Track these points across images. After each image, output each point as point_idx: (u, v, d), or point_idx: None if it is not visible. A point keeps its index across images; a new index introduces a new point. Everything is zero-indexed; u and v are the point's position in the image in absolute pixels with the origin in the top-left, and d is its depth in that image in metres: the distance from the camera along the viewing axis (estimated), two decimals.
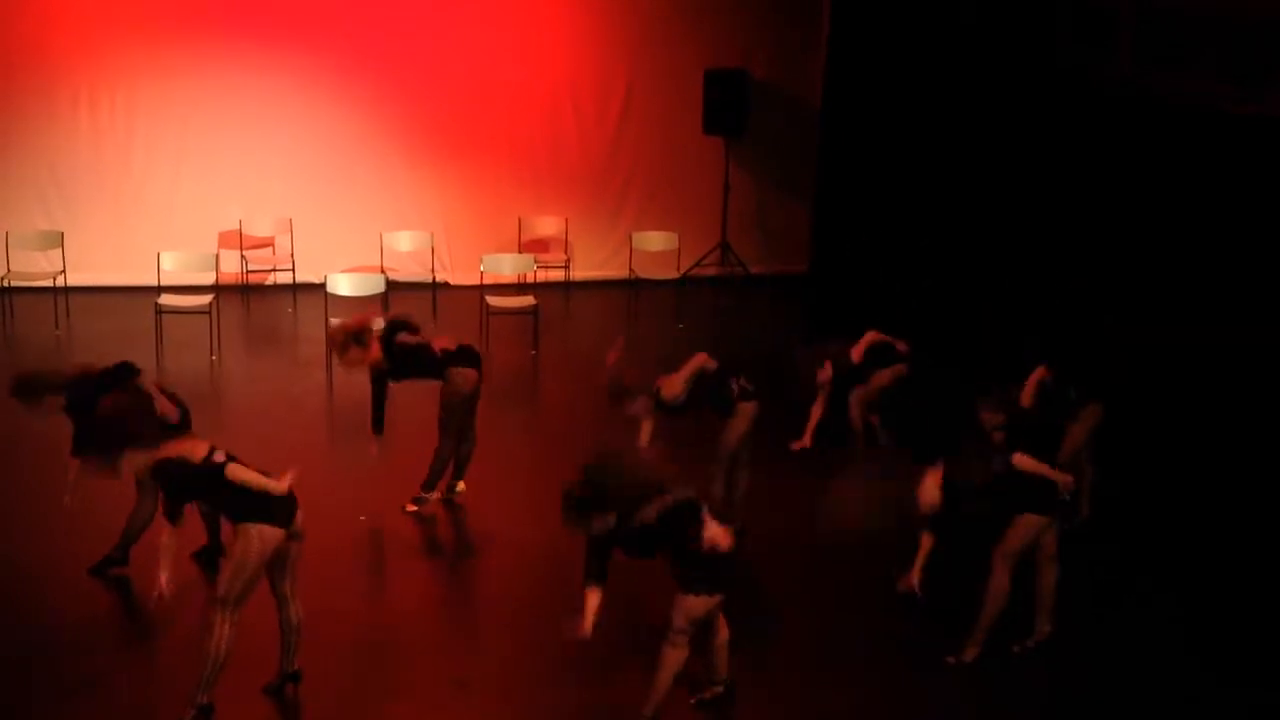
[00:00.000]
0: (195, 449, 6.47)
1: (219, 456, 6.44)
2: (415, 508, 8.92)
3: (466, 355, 8.83)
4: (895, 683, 7.06)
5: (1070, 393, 8.52)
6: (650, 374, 8.36)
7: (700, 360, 8.38)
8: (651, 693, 6.36)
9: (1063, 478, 7.12)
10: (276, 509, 6.39)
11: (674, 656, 6.31)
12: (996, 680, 7.09)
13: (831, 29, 14.18)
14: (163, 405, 7.83)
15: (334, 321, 8.61)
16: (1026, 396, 8.49)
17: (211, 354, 11.98)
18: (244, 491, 6.36)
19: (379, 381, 8.69)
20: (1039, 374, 8.54)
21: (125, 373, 7.83)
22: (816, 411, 10.11)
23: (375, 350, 8.55)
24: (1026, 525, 7.08)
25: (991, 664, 7.17)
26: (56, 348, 12.46)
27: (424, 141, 14.13)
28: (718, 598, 6.32)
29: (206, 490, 6.47)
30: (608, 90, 14.46)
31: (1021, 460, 7.11)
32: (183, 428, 7.84)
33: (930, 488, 7.07)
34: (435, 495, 8.96)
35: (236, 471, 6.38)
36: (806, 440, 10.10)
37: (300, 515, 6.50)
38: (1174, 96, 10.26)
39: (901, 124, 13.38)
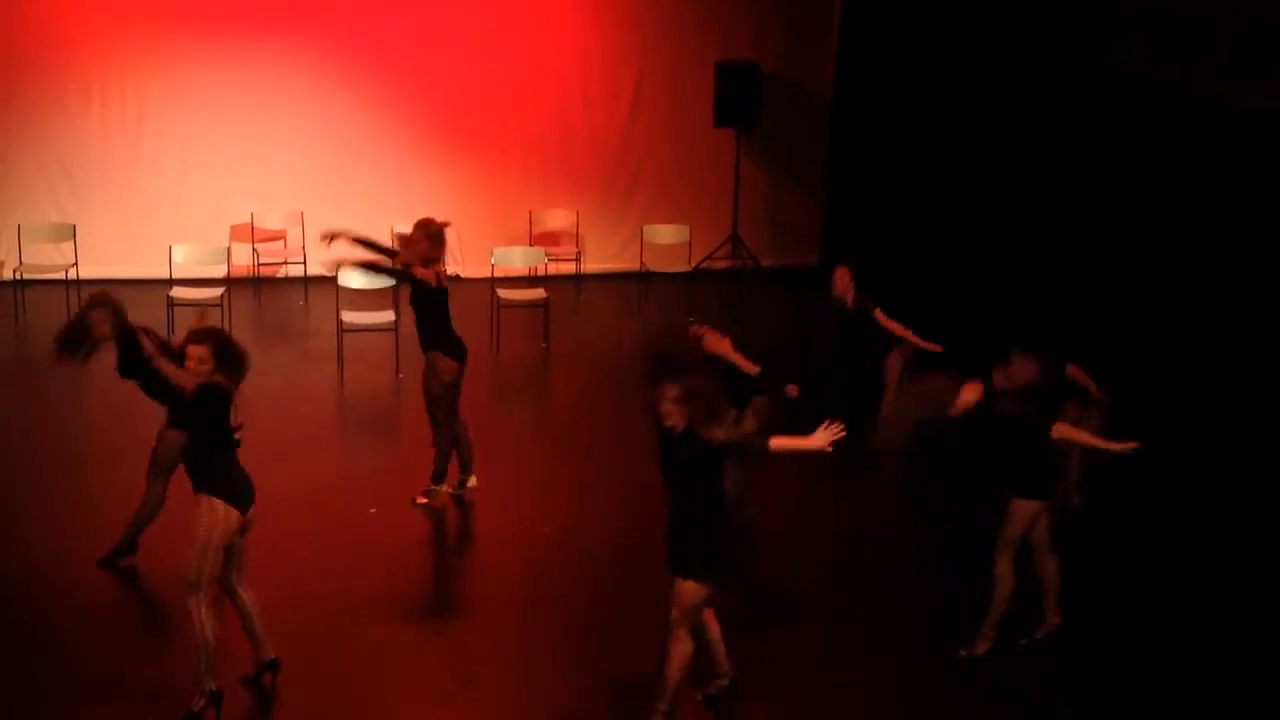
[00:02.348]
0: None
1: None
2: (425, 500, 8.94)
3: (452, 344, 8.74)
4: (900, 680, 7.06)
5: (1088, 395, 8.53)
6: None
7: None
8: (661, 688, 6.36)
9: (1111, 445, 7.02)
10: (238, 492, 6.40)
11: (678, 650, 6.29)
12: (1003, 677, 7.08)
13: (842, 21, 14.17)
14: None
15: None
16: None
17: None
18: (210, 465, 6.36)
19: (429, 294, 8.60)
20: (1072, 371, 8.54)
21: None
22: None
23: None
24: (1021, 510, 7.09)
25: (999, 661, 7.16)
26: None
27: (435, 134, 14.14)
28: (711, 588, 6.25)
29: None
30: (618, 83, 14.45)
31: (1061, 430, 7.06)
32: None
33: (971, 390, 7.05)
34: (445, 488, 8.97)
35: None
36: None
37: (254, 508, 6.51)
38: (1179, 90, 10.24)
39: (912, 117, 13.35)
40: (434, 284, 8.54)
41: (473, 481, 9.03)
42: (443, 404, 8.77)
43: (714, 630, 6.60)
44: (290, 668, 6.78)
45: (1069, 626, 7.34)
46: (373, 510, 8.83)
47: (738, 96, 14.05)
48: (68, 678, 6.82)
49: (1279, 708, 6.85)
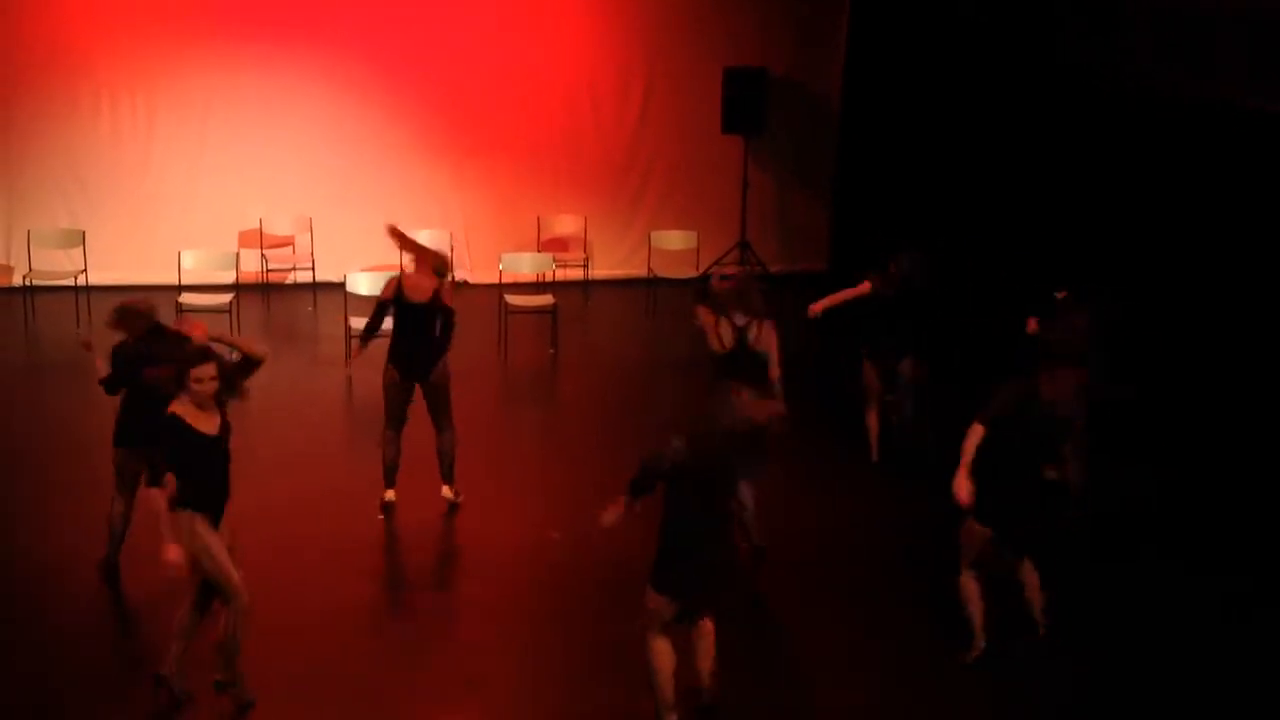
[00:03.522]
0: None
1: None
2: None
3: (397, 354, 8.68)
4: (901, 681, 7.04)
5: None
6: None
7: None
8: (655, 700, 6.35)
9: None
10: (204, 500, 6.46)
11: (650, 655, 6.28)
12: (1004, 678, 7.04)
13: (850, 27, 14.17)
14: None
15: None
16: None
17: (231, 353, 11.99)
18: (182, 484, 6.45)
19: (447, 315, 8.63)
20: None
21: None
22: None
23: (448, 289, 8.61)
24: (969, 532, 7.05)
25: (1001, 663, 7.12)
26: (77, 346, 12.52)
27: (443, 140, 14.17)
28: (676, 604, 6.22)
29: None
30: (627, 88, 14.47)
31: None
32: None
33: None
34: (389, 493, 8.91)
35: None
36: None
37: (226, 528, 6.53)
38: (1184, 91, 10.24)
39: (920, 121, 13.36)
40: (387, 296, 8.63)
41: (446, 492, 8.95)
42: (386, 405, 8.79)
43: (707, 639, 6.49)
44: (294, 670, 6.79)
45: (1072, 631, 7.31)
46: (380, 516, 8.83)
47: (746, 102, 14.06)
48: (68, 677, 6.83)
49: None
